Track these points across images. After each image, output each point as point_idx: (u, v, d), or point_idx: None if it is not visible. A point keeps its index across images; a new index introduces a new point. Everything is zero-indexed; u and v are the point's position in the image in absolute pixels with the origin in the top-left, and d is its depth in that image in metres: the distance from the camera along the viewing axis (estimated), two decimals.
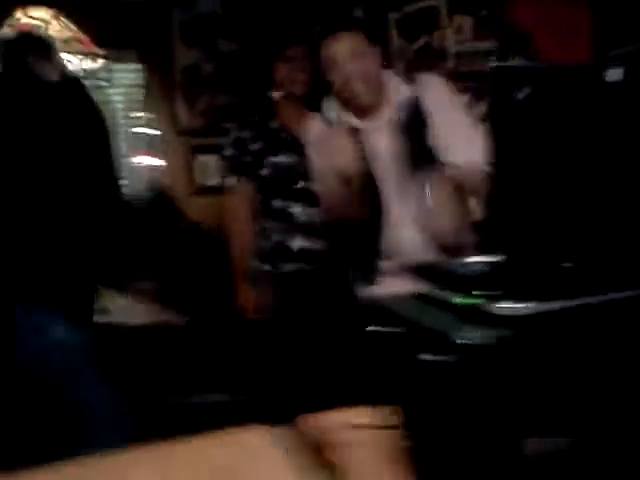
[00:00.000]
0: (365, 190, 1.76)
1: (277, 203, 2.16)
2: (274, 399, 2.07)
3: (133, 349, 2.31)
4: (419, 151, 1.75)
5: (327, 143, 1.73)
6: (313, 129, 1.86)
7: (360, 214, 1.76)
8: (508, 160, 0.83)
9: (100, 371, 1.81)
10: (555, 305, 0.85)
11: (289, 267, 2.15)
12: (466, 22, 3.19)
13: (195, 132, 3.54)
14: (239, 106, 3.35)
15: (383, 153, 1.77)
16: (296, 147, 2.14)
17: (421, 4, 3.25)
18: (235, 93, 3.51)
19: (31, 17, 2.73)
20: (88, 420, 1.77)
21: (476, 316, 0.89)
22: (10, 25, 2.70)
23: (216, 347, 2.48)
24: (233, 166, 2.21)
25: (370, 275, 1.81)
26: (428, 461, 0.92)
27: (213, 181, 3.53)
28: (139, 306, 2.66)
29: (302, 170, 2.08)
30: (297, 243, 2.14)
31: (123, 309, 2.48)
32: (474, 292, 0.87)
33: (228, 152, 2.23)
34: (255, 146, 2.16)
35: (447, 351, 0.86)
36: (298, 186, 2.14)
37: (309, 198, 2.10)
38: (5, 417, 1.83)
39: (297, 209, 2.15)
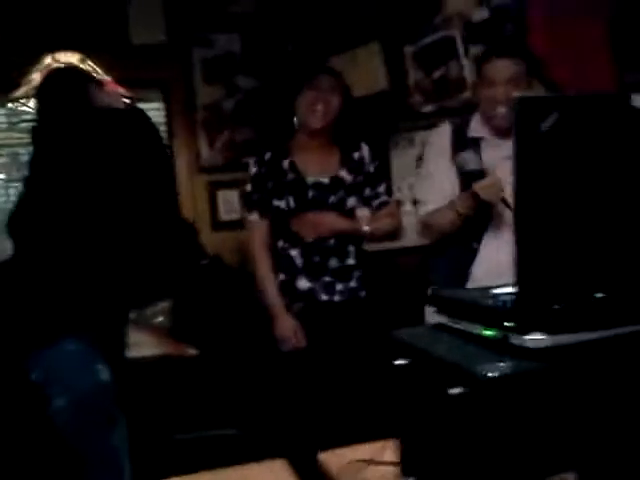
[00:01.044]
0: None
1: (280, 244, 2.15)
2: (291, 434, 2.04)
3: (141, 382, 2.31)
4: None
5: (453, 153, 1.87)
6: (442, 133, 1.95)
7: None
8: (534, 192, 0.82)
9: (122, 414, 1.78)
10: (587, 336, 0.83)
11: (296, 306, 2.12)
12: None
13: (216, 168, 3.58)
14: (258, 142, 3.40)
15: (501, 173, 1.83)
16: (300, 190, 2.11)
17: (436, 36, 3.29)
18: (255, 129, 3.55)
19: (59, 61, 2.82)
20: (95, 465, 1.73)
21: (504, 348, 0.87)
22: (40, 70, 2.79)
23: (227, 381, 2.46)
24: (250, 202, 2.20)
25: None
26: None
27: (234, 216, 3.57)
28: (152, 339, 2.66)
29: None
30: (302, 284, 2.11)
31: (137, 343, 2.49)
32: (505, 324, 0.86)
33: (246, 188, 2.22)
34: (268, 184, 2.15)
35: (474, 384, 0.84)
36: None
37: (310, 243, 2.10)
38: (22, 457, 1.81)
39: (295, 252, 2.11)
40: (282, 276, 2.13)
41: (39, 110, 1.90)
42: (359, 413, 2.00)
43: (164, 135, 3.64)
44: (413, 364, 1.00)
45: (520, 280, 0.86)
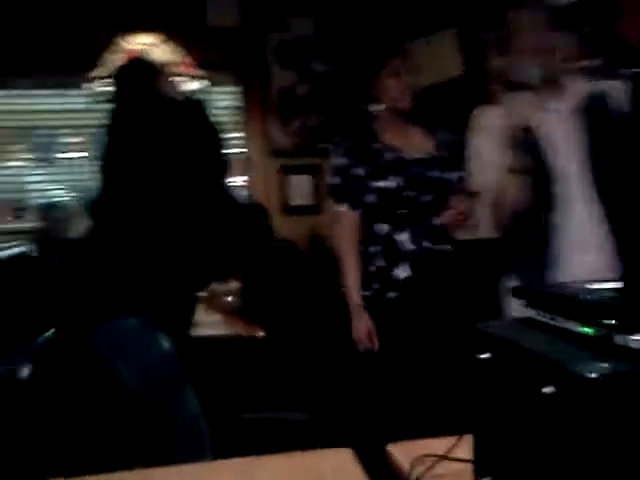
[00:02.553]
0: (538, 179, 1.71)
1: (382, 228, 2.07)
2: (359, 422, 2.01)
3: (210, 361, 2.35)
4: (602, 149, 1.72)
5: (500, 126, 1.72)
6: (487, 116, 1.84)
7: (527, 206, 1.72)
8: None
9: (189, 383, 1.83)
10: None
11: (391, 295, 2.05)
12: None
13: (288, 153, 3.58)
14: (336, 128, 3.37)
15: (561, 142, 1.74)
16: (401, 168, 2.06)
17: None
18: (329, 114, 3.53)
19: (138, 43, 2.89)
20: (178, 432, 1.79)
21: (603, 347, 0.81)
22: (119, 51, 2.86)
23: (294, 364, 2.47)
24: (338, 193, 2.14)
25: (540, 279, 1.71)
26: None
27: (304, 201, 3.56)
28: (222, 319, 2.70)
29: (409, 194, 2.04)
30: (402, 272, 2.03)
31: (208, 322, 2.53)
32: (604, 321, 0.79)
33: (332, 180, 2.15)
34: (359, 171, 2.08)
35: (571, 384, 0.78)
36: (404, 211, 2.05)
37: (417, 224, 2.04)
38: (96, 423, 1.88)
39: (403, 236, 2.05)
40: (381, 263, 2.06)
41: (114, 97, 1.96)
42: (432, 407, 1.95)
43: (238, 119, 3.68)
44: (499, 358, 0.95)
45: (625, 274, 0.80)
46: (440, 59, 3.60)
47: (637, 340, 0.76)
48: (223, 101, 3.67)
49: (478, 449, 1.01)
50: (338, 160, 2.13)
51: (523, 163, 1.68)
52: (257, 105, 3.64)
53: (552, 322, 0.92)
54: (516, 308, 1.12)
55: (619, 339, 0.78)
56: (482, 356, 0.97)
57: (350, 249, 2.09)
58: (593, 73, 3.14)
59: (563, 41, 1.78)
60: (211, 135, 1.86)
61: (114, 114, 1.93)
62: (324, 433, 2.05)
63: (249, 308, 2.74)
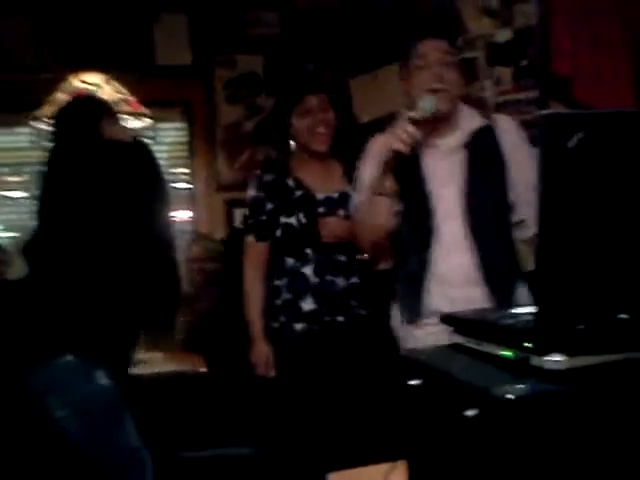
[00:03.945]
0: (414, 212, 1.73)
1: (288, 262, 2.10)
2: (298, 454, 2.00)
3: (152, 400, 2.31)
4: (491, 186, 1.72)
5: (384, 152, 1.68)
6: (376, 140, 1.82)
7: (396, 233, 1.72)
8: (559, 209, 0.80)
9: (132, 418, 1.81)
10: (608, 358, 0.80)
11: (298, 326, 2.08)
12: (505, 73, 3.19)
13: (234, 187, 3.59)
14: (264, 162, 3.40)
15: (444, 174, 1.73)
16: (308, 206, 2.09)
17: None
18: (274, 148, 3.57)
19: (84, 82, 2.89)
20: (117, 466, 1.76)
21: (522, 369, 0.84)
22: (65, 90, 2.85)
23: (237, 399, 2.46)
24: (248, 225, 2.19)
25: (415, 311, 1.72)
26: None
27: None
28: (163, 355, 2.66)
29: (314, 231, 2.07)
30: (307, 305, 2.07)
31: (146, 359, 2.50)
32: (524, 344, 0.83)
33: (246, 211, 2.22)
34: (269, 205, 2.12)
35: (491, 406, 0.81)
36: (308, 247, 2.08)
37: (321, 259, 2.07)
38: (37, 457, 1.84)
39: (308, 270, 2.08)
40: (287, 295, 2.10)
41: (54, 136, 1.96)
42: (367, 434, 1.97)
43: (185, 154, 3.69)
44: (427, 384, 0.97)
45: (540, 300, 0.84)
46: (388, 92, 3.70)
47: (550, 361, 0.80)
48: (169, 137, 3.68)
49: (413, 474, 1.03)
50: (252, 192, 2.16)
51: (394, 188, 1.67)
52: (204, 141, 3.65)
53: (478, 347, 0.95)
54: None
55: (535, 361, 0.82)
56: (412, 382, 0.99)
57: (253, 279, 2.15)
58: (530, 104, 3.28)
59: (456, 78, 1.74)
60: (153, 179, 1.87)
61: (53, 154, 1.92)
62: (269, 467, 2.03)
63: (193, 341, 2.71)
